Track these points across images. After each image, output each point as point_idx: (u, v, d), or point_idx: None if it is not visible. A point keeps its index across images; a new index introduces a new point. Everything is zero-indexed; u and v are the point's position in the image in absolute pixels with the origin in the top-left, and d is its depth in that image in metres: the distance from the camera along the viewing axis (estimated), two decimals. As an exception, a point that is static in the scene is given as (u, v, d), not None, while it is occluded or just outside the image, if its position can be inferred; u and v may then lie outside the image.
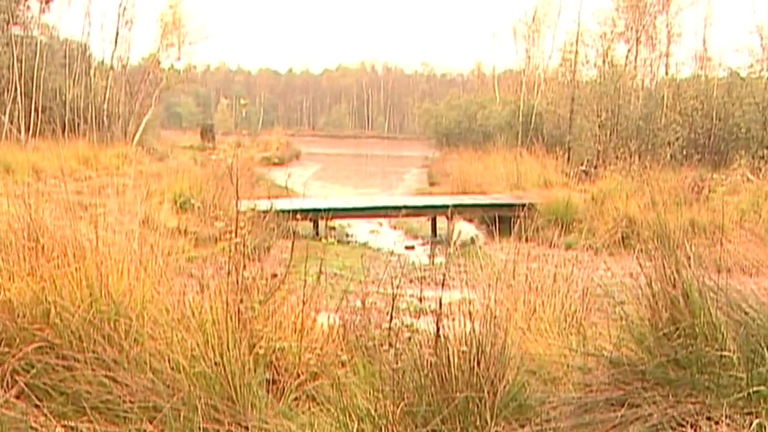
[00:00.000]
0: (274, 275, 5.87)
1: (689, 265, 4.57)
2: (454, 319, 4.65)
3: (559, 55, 38.04)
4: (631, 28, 32.79)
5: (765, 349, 4.26)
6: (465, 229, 21.85)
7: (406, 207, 20.63)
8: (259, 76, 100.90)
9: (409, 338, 5.15)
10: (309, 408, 4.43)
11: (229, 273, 5.24)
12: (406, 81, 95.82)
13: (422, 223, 21.74)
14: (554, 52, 39.88)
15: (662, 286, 4.36)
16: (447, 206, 21.92)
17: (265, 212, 14.53)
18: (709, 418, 3.89)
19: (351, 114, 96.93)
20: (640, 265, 4.73)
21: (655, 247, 4.78)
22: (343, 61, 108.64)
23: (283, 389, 4.67)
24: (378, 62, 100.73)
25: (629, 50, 33.42)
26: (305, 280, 5.80)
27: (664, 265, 4.42)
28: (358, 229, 21.35)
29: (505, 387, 4.17)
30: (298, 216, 18.67)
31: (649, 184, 18.81)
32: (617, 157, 25.62)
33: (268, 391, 4.60)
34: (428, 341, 4.68)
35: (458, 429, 3.93)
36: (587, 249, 13.30)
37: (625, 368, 4.19)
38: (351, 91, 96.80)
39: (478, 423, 3.94)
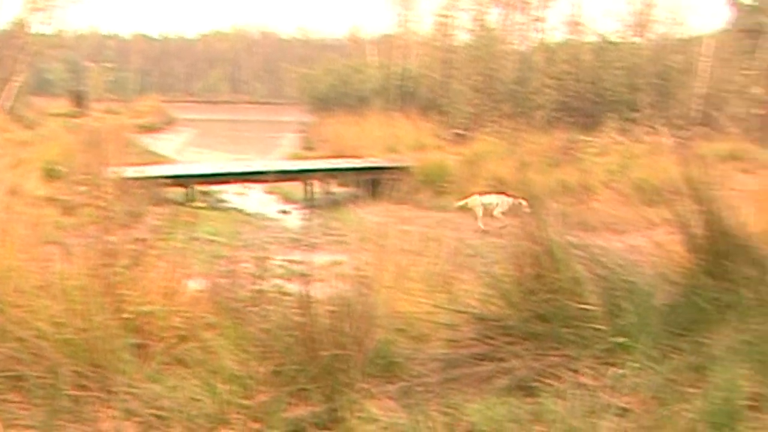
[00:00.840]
0: (141, 240, 5.83)
1: (554, 224, 4.77)
2: (324, 281, 4.74)
3: (434, 20, 38.32)
4: (505, -7, 33.32)
5: (625, 301, 4.52)
6: (340, 192, 21.98)
7: (281, 172, 20.64)
8: (132, 42, 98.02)
9: (278, 300, 5.20)
10: (177, 371, 4.45)
11: (95, 238, 5.18)
12: (282, 46, 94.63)
13: (298, 188, 21.76)
14: (429, 16, 40.13)
15: (527, 243, 4.55)
16: (322, 170, 22.05)
17: (137, 179, 14.29)
18: (572, 369, 4.11)
19: (227, 79, 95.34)
20: (507, 224, 4.92)
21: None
22: (218, 26, 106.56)
23: (152, 354, 4.67)
24: (253, 27, 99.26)
25: (503, 15, 33.95)
26: (175, 246, 5.78)
27: (529, 223, 4.61)
28: (234, 195, 21.21)
29: (373, 345, 4.29)
30: (172, 182, 18.52)
31: (521, 146, 19.29)
32: (491, 120, 26.11)
33: (136, 356, 4.59)
34: (298, 303, 4.75)
35: (327, 387, 4.02)
36: (459, 210, 13.60)
37: (491, 323, 4.38)
38: (226, 57, 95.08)
39: (346, 381, 4.04)
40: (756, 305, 4.72)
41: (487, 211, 15.23)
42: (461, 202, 15.72)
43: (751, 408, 3.88)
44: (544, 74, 29.41)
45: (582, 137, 21.31)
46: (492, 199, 15.53)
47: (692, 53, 28.59)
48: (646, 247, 5.56)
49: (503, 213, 14.68)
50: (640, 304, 4.50)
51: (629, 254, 5.33)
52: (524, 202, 15.24)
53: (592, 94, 28.70)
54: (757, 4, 36.26)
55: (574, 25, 32.72)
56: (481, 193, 16.16)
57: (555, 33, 34.21)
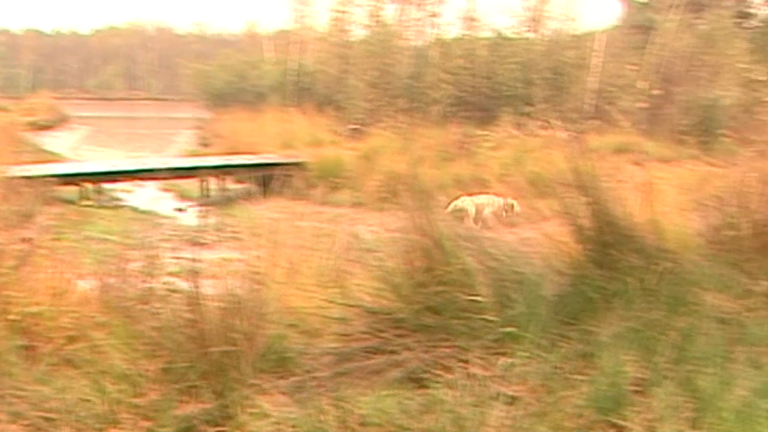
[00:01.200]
0: (28, 239, 5.71)
1: (443, 217, 4.85)
2: (216, 278, 4.72)
3: (331, 15, 38.31)
4: (400, -11, 33.55)
5: (515, 292, 4.62)
6: (237, 189, 21.83)
7: (177, 169, 20.41)
8: (23, 37, 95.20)
9: (169, 298, 5.16)
10: (66, 372, 4.37)
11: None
12: (178, 41, 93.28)
13: (194, 185, 21.53)
14: (325, 12, 40.10)
15: (417, 236, 4.61)
16: (218, 167, 21.87)
17: (28, 178, 13.91)
18: (462, 360, 4.19)
19: (122, 76, 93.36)
20: (397, 218, 4.97)
21: (414, 201, 5.03)
22: (112, 21, 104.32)
23: (40, 355, 4.58)
24: (148, 22, 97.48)
25: (398, 11, 34.16)
26: (66, 245, 5.68)
27: (419, 217, 4.67)
28: (129, 193, 20.87)
29: (264, 341, 4.29)
30: (65, 181, 18.12)
31: (416, 141, 19.46)
32: (387, 116, 26.26)
33: (23, 358, 4.50)
34: (188, 300, 4.72)
35: (217, 383, 4.01)
36: (356, 205, 13.67)
37: (383, 317, 4.43)
38: (121, 52, 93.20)
39: (237, 377, 4.03)
40: (641, 293, 4.88)
41: (478, 212, 15.18)
42: (451, 206, 15.56)
43: (636, 392, 4.01)
44: (440, 69, 29.70)
45: (477, 131, 21.62)
46: (482, 199, 15.48)
47: (585, 49, 29.27)
48: (537, 239, 5.68)
49: (493, 213, 14.71)
50: (530, 295, 4.60)
51: (520, 246, 5.45)
52: (515, 202, 15.50)
53: (487, 89, 29.10)
54: (646, 1, 37.37)
55: (470, 20, 33.12)
56: (470, 194, 16.10)
57: (450, 28, 34.59)
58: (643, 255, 5.20)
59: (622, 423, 3.78)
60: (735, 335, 4.91)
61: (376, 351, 4.33)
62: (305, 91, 33.92)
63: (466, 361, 4.14)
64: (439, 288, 4.46)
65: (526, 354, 4.20)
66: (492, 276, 4.70)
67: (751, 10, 43.37)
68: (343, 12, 34.44)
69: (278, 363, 4.35)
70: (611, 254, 5.07)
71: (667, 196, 8.44)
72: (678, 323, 4.76)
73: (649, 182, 7.20)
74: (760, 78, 25.06)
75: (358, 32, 34.13)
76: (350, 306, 4.76)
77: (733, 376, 4.21)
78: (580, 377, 4.08)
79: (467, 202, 15.83)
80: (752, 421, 3.80)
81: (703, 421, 3.81)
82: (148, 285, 5.29)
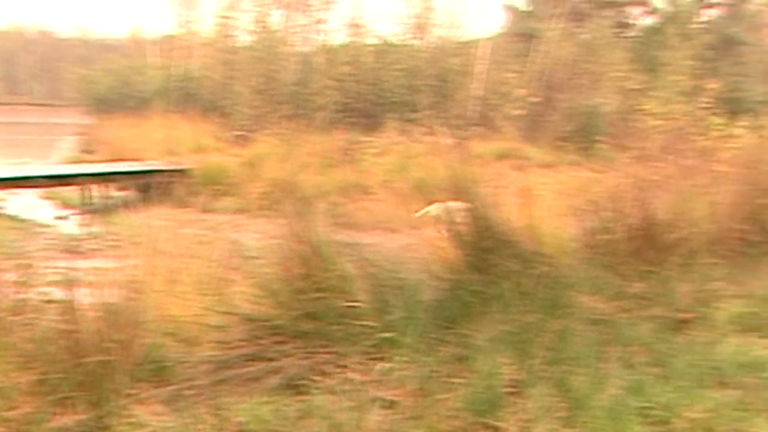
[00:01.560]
0: None
1: (323, 224, 4.88)
2: (93, 287, 4.64)
3: (216, 21, 37.96)
4: (286, -5, 33.47)
5: (393, 297, 4.69)
6: (120, 196, 21.42)
7: (58, 176, 19.86)
8: None
9: (43, 308, 5.05)
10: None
11: None
12: (61, 45, 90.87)
13: (76, 193, 21.00)
14: (211, 17, 39.71)
15: (296, 243, 4.63)
16: (100, 174, 21.38)
17: None
18: (341, 366, 4.23)
19: (2, 80, 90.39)
20: (278, 225, 4.97)
21: (293, 208, 5.04)
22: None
23: None
24: (30, 25, 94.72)
25: (284, 17, 34.07)
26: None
27: (298, 224, 4.69)
28: (7, 201, 20.23)
29: (141, 350, 4.24)
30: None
31: (301, 148, 19.45)
32: (272, 122, 26.15)
33: None
34: (63, 310, 4.63)
35: (93, 394, 3.95)
36: (239, 212, 13.59)
37: (261, 324, 4.43)
38: (2, 56, 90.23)
39: (113, 387, 3.98)
40: (518, 297, 5.01)
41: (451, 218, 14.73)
42: (422, 211, 15.20)
43: (511, 394, 4.12)
44: (325, 76, 29.73)
45: (362, 138, 21.72)
46: (456, 205, 15.06)
47: (469, 56, 29.69)
48: (417, 245, 5.76)
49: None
50: (408, 300, 4.68)
51: (400, 252, 5.52)
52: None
53: (372, 96, 29.25)
54: (530, 9, 38.20)
55: (355, 27, 33.26)
56: (442, 200, 15.73)
57: (336, 35, 34.66)
58: (521, 259, 5.34)
59: (498, 424, 3.87)
60: (608, 336, 5.09)
61: (254, 358, 4.33)
62: (190, 97, 33.48)
63: (344, 367, 4.19)
64: (318, 294, 4.49)
65: (405, 358, 4.26)
66: (371, 282, 4.76)
67: (630, 21, 44.87)
68: (229, 17, 34.17)
69: (156, 372, 4.31)
70: (489, 259, 5.20)
71: (546, 201, 8.66)
72: (553, 325, 4.91)
73: (528, 188, 7.39)
74: (636, 87, 25.89)
75: (243, 38, 33.89)
76: (229, 314, 4.74)
77: (606, 375, 4.36)
78: (457, 380, 4.17)
79: (440, 209, 15.68)
80: (623, 418, 3.94)
81: (576, 420, 3.93)
82: (21, 295, 5.16)
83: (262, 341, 4.37)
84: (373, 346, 4.36)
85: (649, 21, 44.47)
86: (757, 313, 6.06)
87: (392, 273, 4.94)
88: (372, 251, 5.17)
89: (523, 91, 26.74)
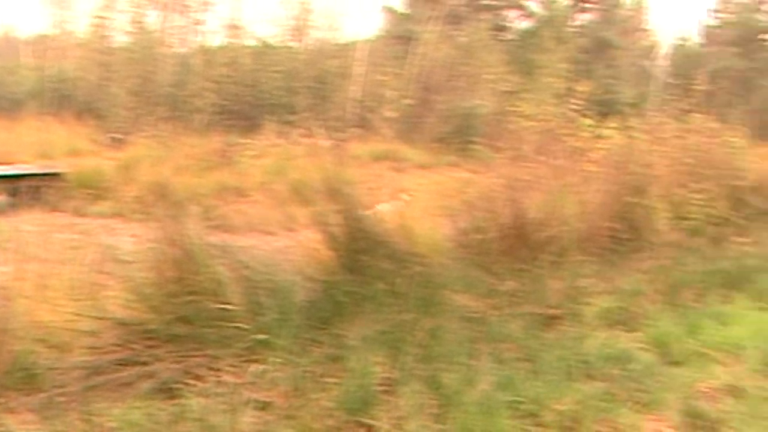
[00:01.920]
0: None
1: (196, 227, 4.86)
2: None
3: (91, 21, 37.11)
4: (160, -5, 32.98)
5: (267, 299, 4.71)
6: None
7: (-77, 181, 19.09)
8: None
9: None
10: None
11: None
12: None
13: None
14: (86, 17, 38.79)
15: (168, 247, 4.60)
16: (-32, 178, 20.62)
17: None
18: (214, 369, 4.23)
19: None
20: (152, 229, 4.93)
21: (167, 211, 5.01)
22: None
23: None
24: None
25: (162, 17, 33.54)
26: None
27: (171, 227, 4.66)
28: None
29: (10, 357, 4.16)
30: None
31: (178, 150, 19.18)
32: (149, 124, 25.72)
33: None
34: None
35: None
36: (115, 216, 13.34)
37: (134, 328, 4.39)
38: None
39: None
40: (391, 296, 5.10)
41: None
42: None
43: (384, 392, 4.20)
44: (203, 77, 29.40)
45: (240, 140, 21.56)
46: (404, 197, 14.87)
47: (348, 58, 29.82)
48: (292, 247, 5.79)
49: None
50: (282, 302, 4.71)
51: (274, 254, 5.55)
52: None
53: (251, 98, 29.05)
54: (408, 12, 38.61)
55: (233, 28, 33.00)
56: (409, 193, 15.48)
57: (214, 36, 34.31)
58: (394, 259, 5.43)
59: (371, 422, 3.94)
60: (480, 333, 5.23)
61: (126, 363, 4.29)
62: (64, 99, 32.58)
63: (218, 370, 4.19)
64: (191, 298, 4.48)
65: (278, 360, 4.29)
66: (244, 284, 4.77)
67: (507, 24, 45.80)
68: (104, 18, 33.41)
69: (25, 380, 4.23)
70: (362, 260, 5.27)
71: (422, 201, 8.80)
72: (426, 324, 5.01)
73: (403, 189, 7.52)
74: (512, 89, 26.43)
75: (119, 39, 33.19)
76: (101, 319, 4.68)
77: (477, 371, 4.49)
78: (330, 380, 4.22)
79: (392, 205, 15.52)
80: (493, 413, 4.06)
81: (447, 416, 4.03)
82: None
83: (135, 346, 4.33)
84: (247, 348, 4.38)
85: (525, 24, 45.54)
86: (624, 307, 6.30)
87: (266, 275, 4.96)
88: (246, 254, 5.18)
89: (400, 93, 27.00)
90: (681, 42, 53.00)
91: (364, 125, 24.55)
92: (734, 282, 7.41)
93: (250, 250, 5.39)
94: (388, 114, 25.31)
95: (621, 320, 6.06)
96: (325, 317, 4.83)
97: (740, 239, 9.94)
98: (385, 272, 5.25)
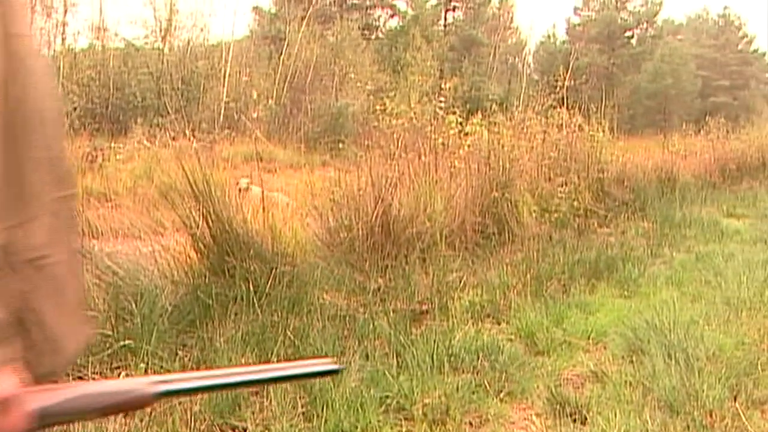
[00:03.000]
0: None
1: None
2: None
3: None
4: (27, -3, 32.04)
5: (132, 305, 4.65)
6: None
7: None
8: None
9: None
10: None
11: None
12: None
13: None
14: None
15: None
16: None
17: None
18: (79, 377, 4.15)
19: None
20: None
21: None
22: None
23: None
24: None
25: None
26: None
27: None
28: None
29: None
30: None
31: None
32: (11, 128, 24.97)
33: None
34: None
35: None
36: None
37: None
38: None
39: None
40: (258, 297, 5.11)
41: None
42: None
43: (253, 393, 4.20)
44: (69, 80, 28.71)
45: (108, 143, 21.14)
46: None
47: (217, 59, 29.58)
48: (159, 251, 5.72)
49: None
50: (148, 307, 4.65)
51: (140, 259, 5.47)
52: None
53: (118, 100, 28.57)
54: (277, 11, 38.49)
55: (99, 30, 32.31)
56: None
57: (79, 38, 33.55)
58: (261, 260, 5.43)
59: (240, 424, 3.94)
60: (348, 331, 5.28)
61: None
62: None
63: (79, 378, 4.11)
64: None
65: (144, 365, 4.24)
66: (109, 290, 4.70)
67: (376, 23, 46.16)
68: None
69: None
70: (228, 261, 5.25)
71: (291, 201, 8.79)
72: (294, 323, 5.04)
73: (270, 189, 7.50)
74: (381, 87, 26.66)
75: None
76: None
77: (345, 368, 4.52)
78: (197, 383, 4.18)
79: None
80: (362, 408, 4.11)
81: (316, 414, 4.06)
82: None
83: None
84: (112, 354, 4.32)
85: (394, 23, 46.00)
86: (491, 300, 6.45)
87: (131, 280, 4.90)
88: (111, 259, 5.10)
89: (270, 94, 26.92)
90: (547, 39, 54.61)
91: (233, 126, 24.39)
92: (597, 272, 7.68)
93: (115, 255, 5.30)
94: (258, 114, 25.20)
95: (489, 313, 6.19)
96: (192, 320, 4.80)
97: (604, 230, 10.31)
98: (252, 273, 5.25)
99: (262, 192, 7.05)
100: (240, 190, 8.85)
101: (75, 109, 27.67)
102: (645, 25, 53.92)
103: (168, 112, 25.54)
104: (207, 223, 5.43)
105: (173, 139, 20.08)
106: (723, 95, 55.64)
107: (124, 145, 20.89)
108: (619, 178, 12.74)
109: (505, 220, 8.78)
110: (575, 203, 10.40)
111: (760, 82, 61.76)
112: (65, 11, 33.22)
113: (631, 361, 5.07)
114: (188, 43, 31.16)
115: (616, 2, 52.66)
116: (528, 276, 7.21)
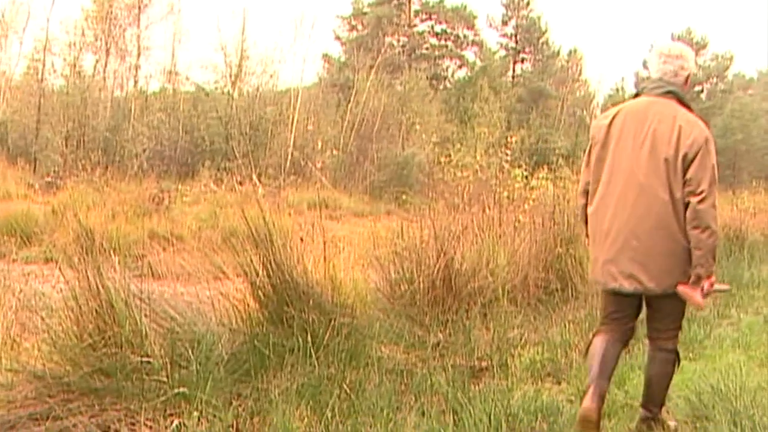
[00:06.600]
0: None
1: (119, 276, 4.79)
2: None
3: (26, 63, 36.70)
4: (101, 39, 32.78)
5: (189, 351, 4.64)
6: None
7: None
8: None
9: None
10: None
11: None
12: None
13: None
14: (21, 59, 38.37)
15: (87, 297, 4.52)
16: None
17: None
18: (132, 423, 4.14)
19: None
20: (77, 277, 4.82)
21: (90, 259, 4.91)
22: None
23: None
24: None
25: (98, 61, 33.36)
26: None
27: (88, 276, 4.58)
28: None
29: None
30: None
31: (111, 196, 18.99)
32: (83, 169, 25.45)
33: None
34: None
35: None
36: (45, 262, 13.11)
37: (50, 381, 4.29)
38: None
39: None
40: (316, 349, 5.07)
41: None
42: None
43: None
44: (140, 122, 29.27)
45: (175, 186, 21.46)
46: None
47: (285, 105, 29.90)
48: (218, 297, 5.72)
49: None
50: (204, 354, 4.64)
51: (199, 304, 5.47)
52: None
53: (187, 143, 29.00)
54: (346, 59, 38.95)
55: (171, 74, 32.94)
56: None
57: (152, 81, 34.22)
58: (320, 311, 5.40)
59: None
60: (405, 386, 5.20)
61: (41, 417, 4.19)
62: (-2, 142, 32.16)
63: (135, 424, 4.11)
64: (110, 350, 4.39)
65: (198, 414, 4.22)
66: (166, 336, 4.70)
67: (444, 73, 46.45)
68: (40, 60, 33.11)
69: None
70: (287, 311, 5.23)
71: (353, 250, 8.78)
72: (351, 376, 4.99)
73: (334, 238, 7.49)
74: (448, 137, 26.73)
75: (55, 82, 32.91)
76: (17, 371, 4.56)
77: (401, 425, 4.46)
78: (252, 435, 4.17)
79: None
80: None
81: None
82: None
83: (51, 399, 4.23)
84: (166, 401, 4.30)
85: (461, 74, 46.22)
86: (552, 358, 6.31)
87: (189, 326, 4.90)
88: (170, 304, 5.11)
89: (337, 141, 27.14)
90: (615, 92, 54.30)
91: (299, 172, 24.62)
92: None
93: (174, 299, 5.31)
94: (325, 161, 25.39)
95: (549, 372, 6.06)
96: (248, 370, 4.78)
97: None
98: (310, 324, 5.22)
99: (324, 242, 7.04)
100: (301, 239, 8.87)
101: (144, 150, 28.16)
102: (715, 79, 53.38)
103: (235, 157, 25.87)
104: (267, 271, 5.42)
105: (240, 183, 20.33)
106: (794, 152, 54.65)
107: (191, 188, 21.20)
108: (686, 235, 12.49)
109: (568, 276, 8.64)
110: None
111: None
112: (138, 54, 33.98)
113: (695, 428, 4.93)
114: (257, 88, 31.54)
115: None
116: (590, 334, 7.07)
